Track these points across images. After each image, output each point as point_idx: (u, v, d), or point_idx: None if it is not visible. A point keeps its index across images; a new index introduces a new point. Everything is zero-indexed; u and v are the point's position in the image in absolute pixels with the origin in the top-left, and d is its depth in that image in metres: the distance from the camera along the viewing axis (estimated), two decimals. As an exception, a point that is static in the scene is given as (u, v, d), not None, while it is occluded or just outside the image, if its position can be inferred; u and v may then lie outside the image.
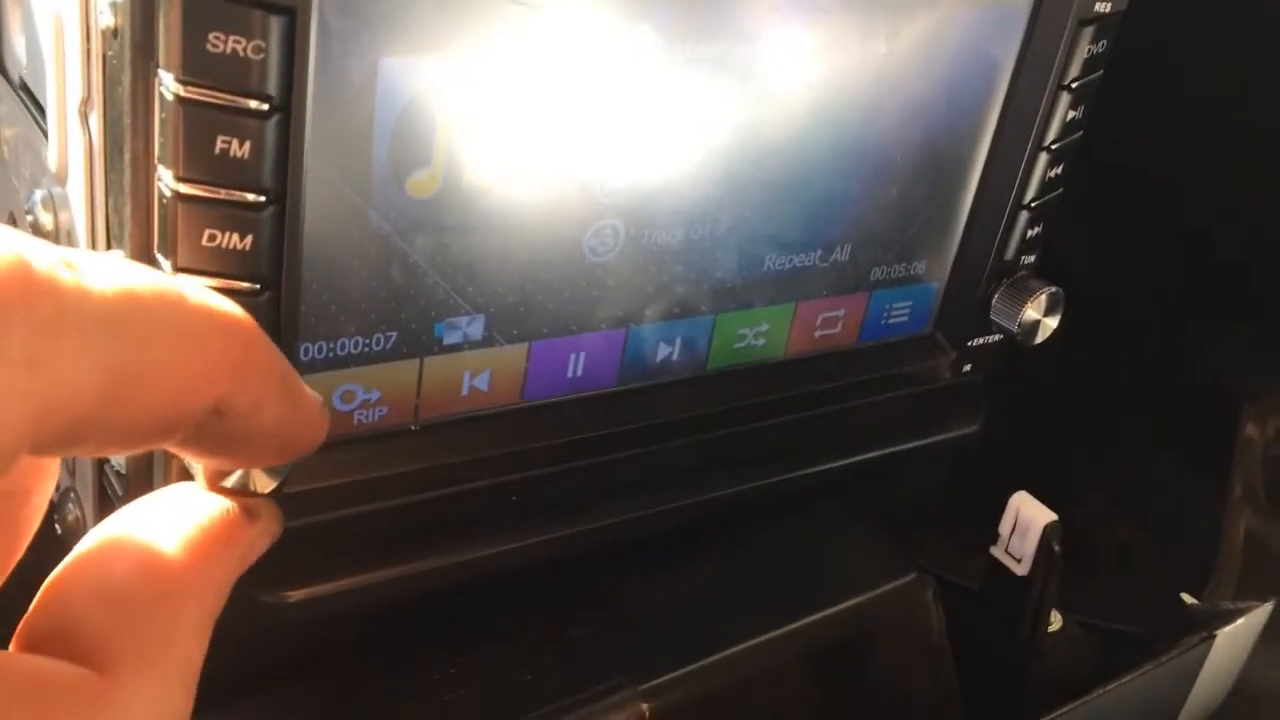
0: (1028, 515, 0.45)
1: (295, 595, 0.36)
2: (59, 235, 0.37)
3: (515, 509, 0.41)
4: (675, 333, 0.43)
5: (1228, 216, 0.57)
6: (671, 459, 0.44)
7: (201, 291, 0.24)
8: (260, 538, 0.28)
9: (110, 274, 0.22)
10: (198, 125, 0.29)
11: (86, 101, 0.34)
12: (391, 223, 0.35)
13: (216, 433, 0.25)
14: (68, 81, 0.34)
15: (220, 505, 0.28)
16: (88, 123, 0.34)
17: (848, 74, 0.41)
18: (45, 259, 0.20)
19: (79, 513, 0.40)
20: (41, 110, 0.36)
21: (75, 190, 0.35)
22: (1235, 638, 0.45)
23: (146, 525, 0.26)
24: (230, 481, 0.31)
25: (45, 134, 0.35)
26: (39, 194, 0.38)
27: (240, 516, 0.28)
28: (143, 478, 0.35)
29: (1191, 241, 0.59)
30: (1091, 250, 0.62)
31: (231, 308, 0.25)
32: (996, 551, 0.47)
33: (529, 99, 0.35)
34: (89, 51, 0.33)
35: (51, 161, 0.36)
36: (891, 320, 0.49)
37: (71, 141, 0.35)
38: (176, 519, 0.27)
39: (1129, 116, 0.55)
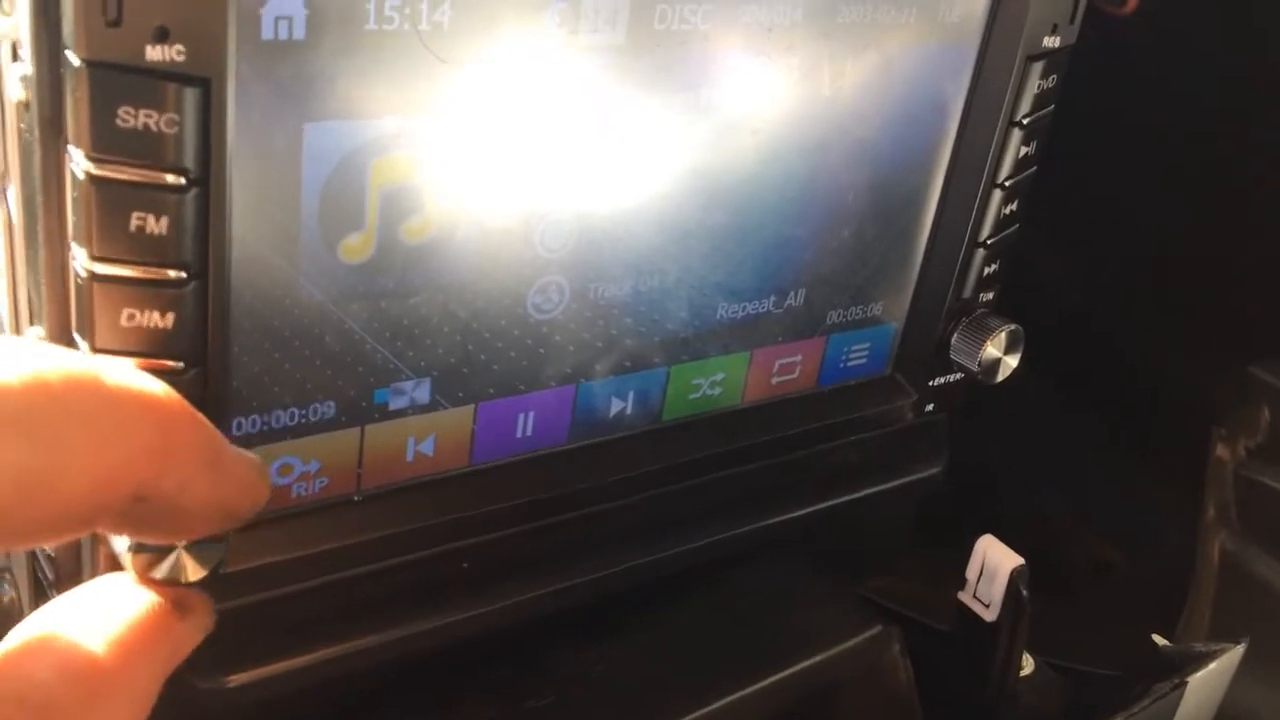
0: (994, 560, 0.44)
1: (236, 680, 0.35)
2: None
3: (466, 576, 0.39)
4: (627, 387, 0.42)
5: (1193, 239, 0.57)
6: (629, 516, 0.43)
7: (119, 372, 0.23)
8: (192, 632, 0.27)
9: (22, 364, 0.21)
10: (111, 203, 0.28)
11: (4, 176, 0.32)
12: (324, 290, 0.34)
13: (142, 515, 0.24)
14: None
15: (149, 600, 0.27)
16: (5, 197, 0.33)
17: (795, 116, 0.40)
18: None
19: (14, 594, 0.39)
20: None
21: (-5, 267, 0.34)
22: (1208, 682, 0.44)
23: (72, 623, 0.25)
24: (160, 571, 0.29)
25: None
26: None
27: (170, 611, 0.27)
28: (71, 563, 0.33)
29: (1156, 263, 0.59)
30: (1056, 275, 0.62)
31: (151, 387, 0.24)
32: (965, 597, 0.46)
33: (462, 156, 0.34)
34: (4, 125, 0.32)
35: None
36: (850, 363, 0.48)
37: (-9, 217, 0.34)
38: (104, 615, 0.26)
39: (1092, 140, 0.55)
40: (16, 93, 0.30)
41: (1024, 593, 0.44)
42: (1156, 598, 0.60)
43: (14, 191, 0.32)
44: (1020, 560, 0.44)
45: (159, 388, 0.24)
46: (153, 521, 0.25)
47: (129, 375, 0.23)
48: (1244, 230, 0.56)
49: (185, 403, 0.25)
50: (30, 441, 0.21)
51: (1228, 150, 0.55)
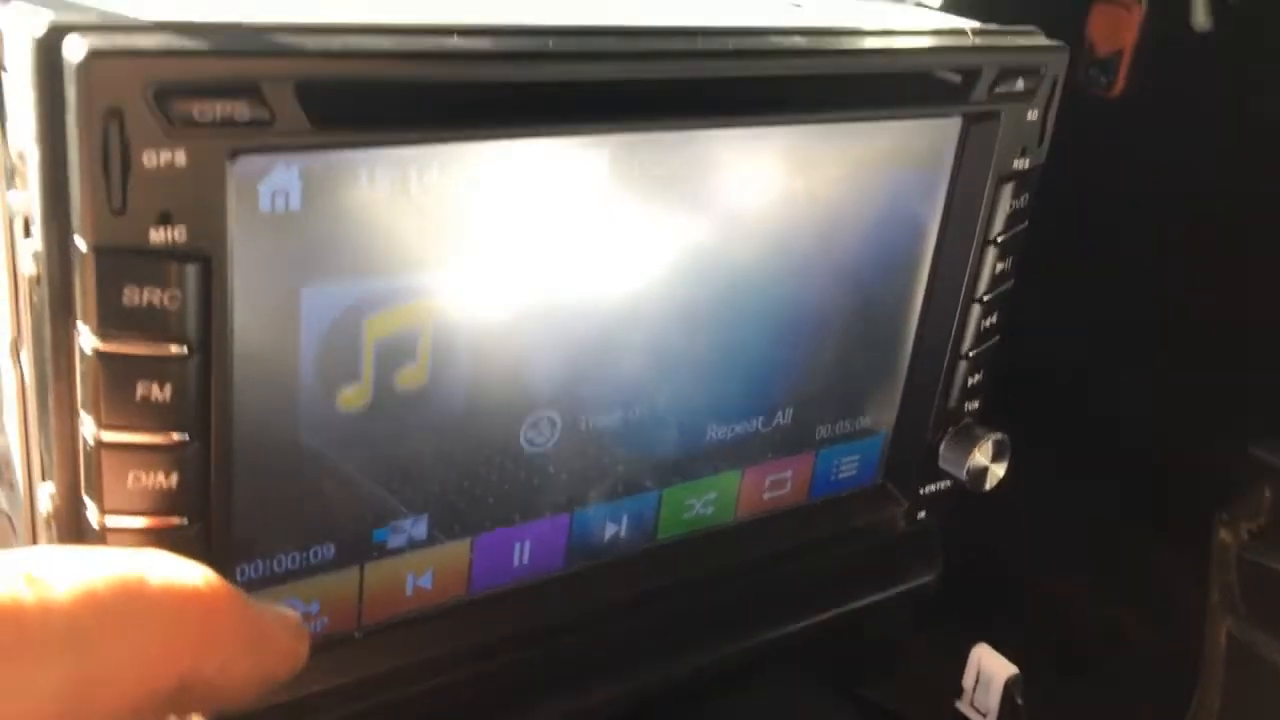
0: (989, 669, 0.45)
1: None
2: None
3: (469, 705, 0.40)
4: (621, 511, 0.43)
5: (1196, 318, 0.58)
6: (628, 636, 0.44)
7: (162, 568, 0.24)
8: None
9: (68, 575, 0.22)
10: (117, 375, 0.30)
11: (16, 341, 0.34)
12: (322, 439, 0.35)
13: (186, 701, 0.25)
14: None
15: None
16: (19, 360, 0.34)
17: (775, 242, 0.42)
18: (7, 580, 0.21)
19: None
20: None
21: (10, 424, 0.35)
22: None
23: None
24: None
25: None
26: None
27: None
28: None
29: (1159, 340, 0.59)
30: (1060, 353, 0.62)
31: (193, 579, 0.25)
32: (962, 705, 0.46)
33: (453, 305, 0.36)
34: (16, 291, 0.34)
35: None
36: (841, 474, 0.49)
37: (4, 378, 0.35)
38: None
39: (1094, 218, 0.55)
40: (29, 268, 0.32)
41: (1019, 702, 0.44)
42: (1166, 676, 0.60)
43: (26, 355, 0.34)
44: (1015, 669, 0.45)
45: (200, 578, 0.25)
46: (197, 704, 0.26)
47: (171, 570, 0.24)
48: (1248, 311, 0.57)
49: (227, 586, 0.25)
50: (78, 655, 0.22)
51: (1226, 228, 0.56)
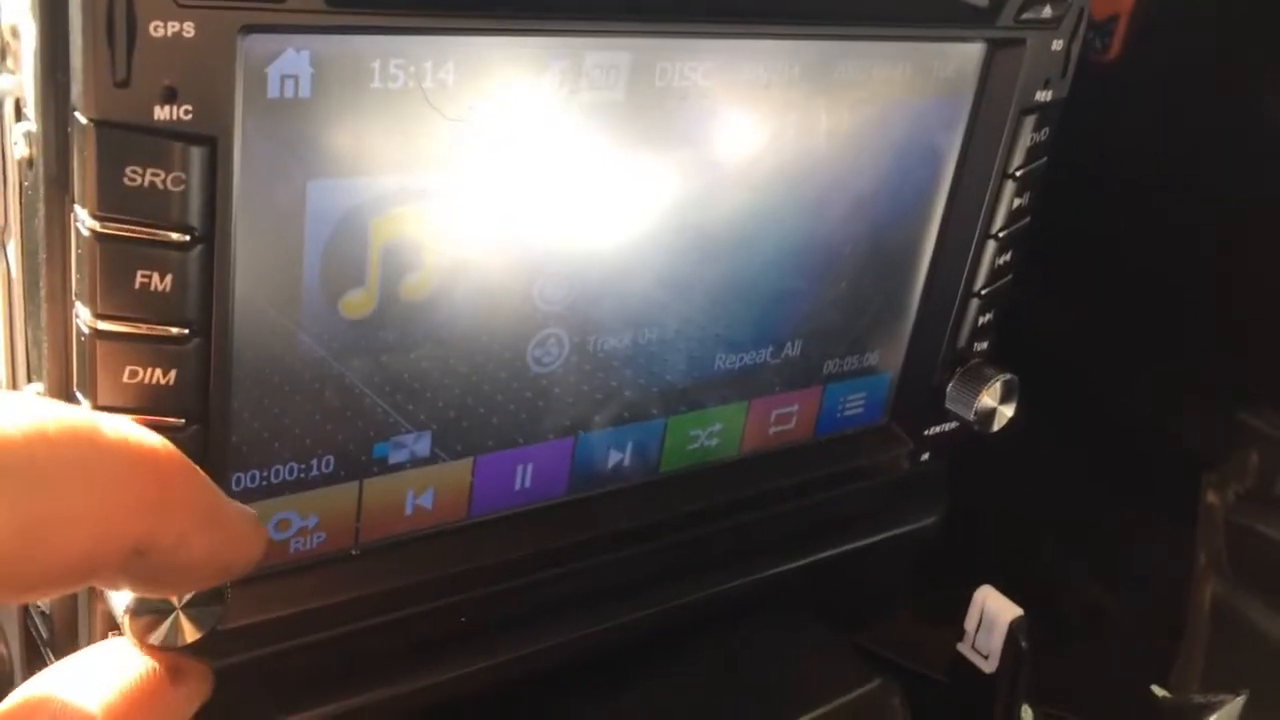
0: (993, 610, 0.44)
1: (233, 738, 0.34)
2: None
3: (464, 630, 0.39)
4: (626, 438, 0.42)
5: (1186, 287, 0.58)
6: (627, 568, 0.43)
7: (118, 425, 0.24)
8: (187, 700, 0.27)
9: (21, 416, 0.22)
10: (116, 261, 0.28)
11: (3, 230, 0.32)
12: (325, 345, 0.34)
13: (141, 569, 0.24)
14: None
15: (146, 668, 0.27)
16: (5, 252, 0.33)
17: (792, 170, 0.41)
18: None
19: (4, 651, 0.38)
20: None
21: (-5, 318, 0.34)
22: (1209, 733, 0.44)
23: (67, 691, 0.25)
24: (158, 634, 0.29)
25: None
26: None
27: (165, 679, 0.27)
28: (67, 621, 0.33)
29: (1150, 310, 0.59)
30: (1050, 320, 0.62)
31: (150, 441, 0.24)
32: (963, 648, 0.46)
33: (463, 212, 0.35)
34: (5, 178, 0.32)
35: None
36: (847, 412, 0.48)
37: (-11, 268, 0.34)
38: (99, 684, 0.26)
39: (1084, 186, 0.55)
40: (20, 150, 0.30)
41: (1023, 644, 0.44)
42: (1151, 643, 0.60)
43: (14, 247, 0.32)
44: (1019, 611, 0.44)
45: (157, 441, 0.24)
46: (151, 576, 0.25)
47: (127, 428, 0.24)
48: (1236, 277, 0.57)
49: (183, 456, 0.25)
50: (31, 492, 0.21)
51: (1218, 195, 0.56)
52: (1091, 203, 0.58)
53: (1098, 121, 0.54)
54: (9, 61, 0.31)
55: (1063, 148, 0.47)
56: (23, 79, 0.30)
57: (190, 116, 0.28)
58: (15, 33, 0.30)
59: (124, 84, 0.27)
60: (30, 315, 0.31)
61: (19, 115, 0.30)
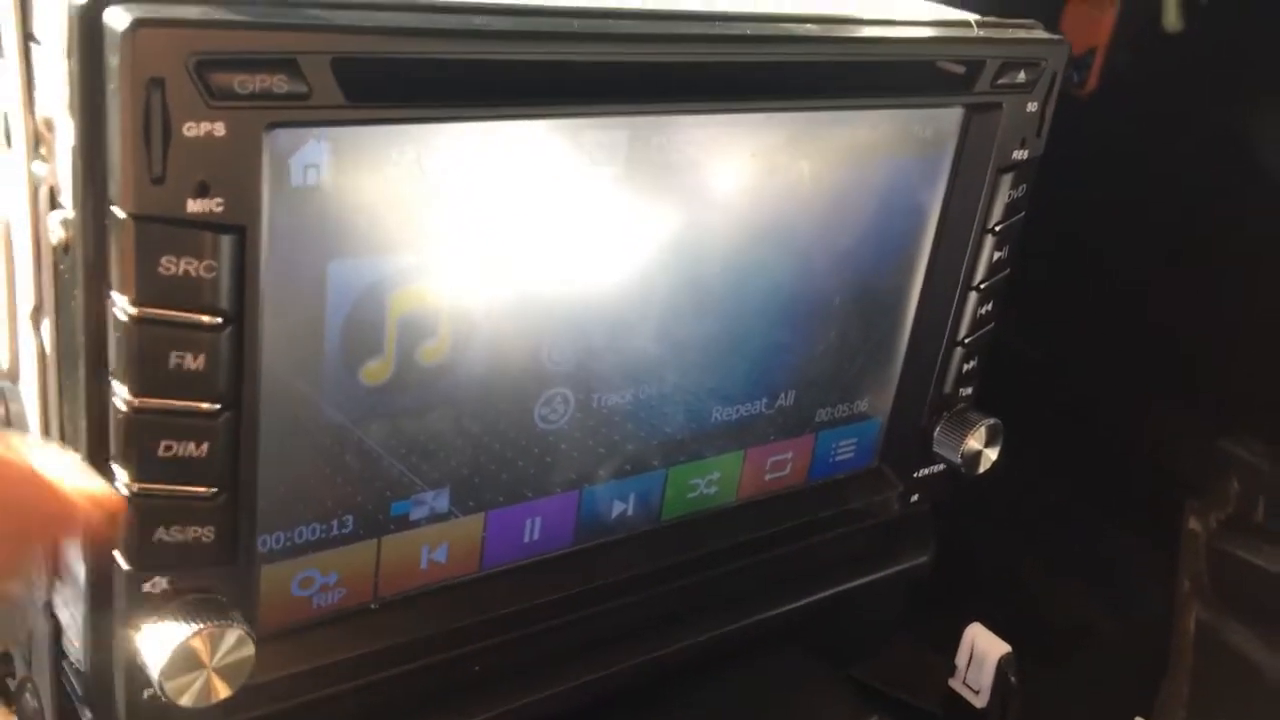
0: (983, 647, 0.46)
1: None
2: (9, 422, 0.37)
3: (477, 679, 0.41)
4: (628, 489, 0.44)
5: (1167, 316, 0.59)
6: (632, 613, 0.44)
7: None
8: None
9: None
10: (152, 344, 0.30)
11: (38, 310, 0.34)
12: (345, 412, 0.35)
13: None
14: (17, 286, 0.35)
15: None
16: (39, 329, 0.34)
17: (781, 229, 0.43)
18: None
19: (37, 704, 0.40)
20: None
21: (28, 391, 0.35)
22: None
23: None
24: (190, 694, 0.31)
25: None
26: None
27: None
28: (103, 679, 0.35)
29: (1133, 338, 0.61)
30: (1036, 351, 0.64)
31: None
32: (955, 684, 0.47)
33: (474, 282, 0.37)
34: (39, 260, 0.34)
35: (2, 357, 0.36)
36: (839, 457, 0.50)
37: (23, 345, 0.35)
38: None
39: (1068, 217, 0.57)
40: (57, 235, 0.32)
41: (1012, 680, 0.46)
42: (1137, 667, 0.61)
43: (47, 325, 0.34)
44: (1007, 648, 0.46)
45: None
46: None
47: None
48: (1216, 307, 0.58)
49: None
50: None
51: (1198, 225, 0.57)
52: (1073, 232, 0.60)
53: (1077, 153, 0.56)
54: (43, 149, 0.33)
55: (1043, 177, 0.49)
56: (57, 168, 0.32)
57: (221, 208, 0.30)
58: (50, 125, 0.32)
59: (160, 180, 0.29)
60: (67, 391, 0.33)
61: (54, 202, 0.32)
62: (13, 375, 0.37)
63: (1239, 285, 0.57)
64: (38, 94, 0.32)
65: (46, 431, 0.35)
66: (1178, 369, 0.60)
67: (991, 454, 0.50)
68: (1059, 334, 0.64)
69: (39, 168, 0.33)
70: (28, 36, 0.32)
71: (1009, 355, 0.53)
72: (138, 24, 0.27)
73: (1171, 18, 0.57)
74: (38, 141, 0.33)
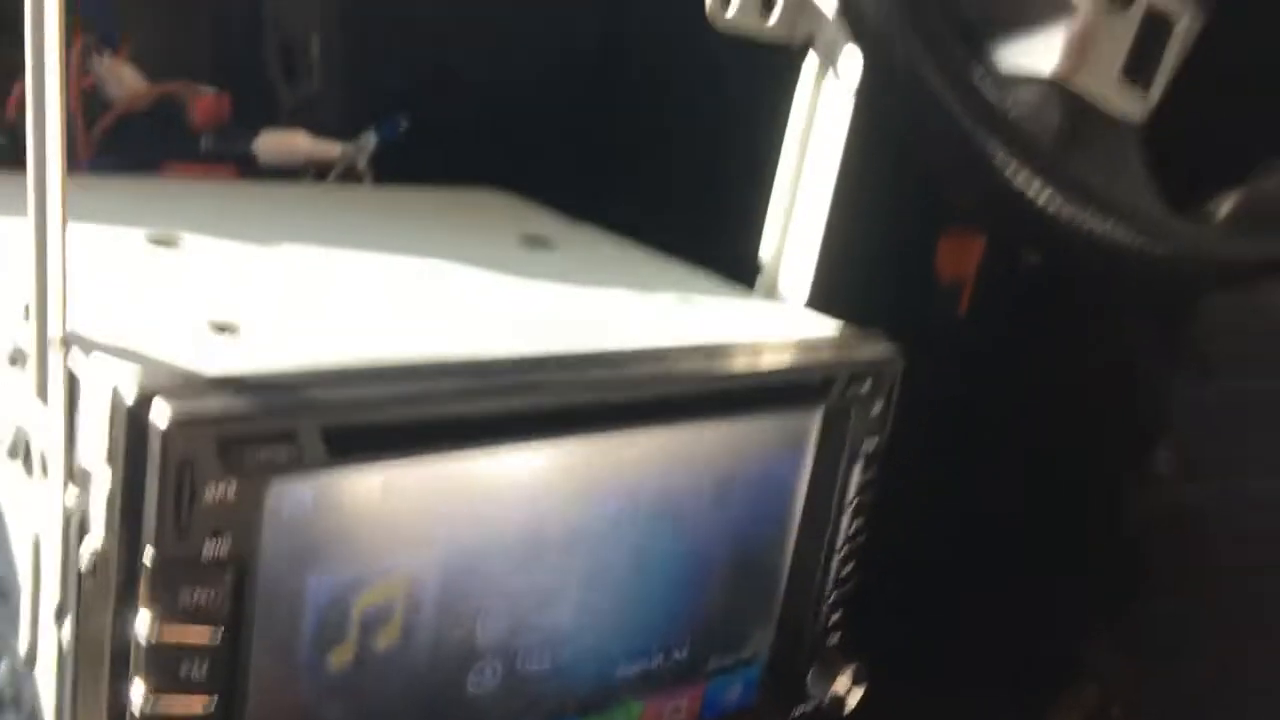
0: None
1: None
2: (19, 708, 0.43)
3: None
4: (545, 741, 0.51)
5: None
6: None
7: None
8: None
9: None
10: (167, 657, 0.38)
11: (62, 610, 0.41)
12: (317, 694, 0.43)
13: None
14: (43, 587, 0.42)
15: None
16: (61, 627, 0.41)
17: (671, 513, 0.52)
18: None
19: None
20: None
21: (44, 683, 0.42)
22: None
23: None
24: None
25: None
26: (2, 664, 0.45)
27: None
28: None
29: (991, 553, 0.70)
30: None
31: None
32: None
33: (425, 581, 0.45)
34: (66, 570, 0.41)
35: (21, 645, 0.43)
36: (725, 700, 0.58)
37: (43, 638, 0.42)
38: None
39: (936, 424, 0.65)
40: (85, 563, 0.39)
41: None
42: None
43: (68, 626, 0.41)
44: None
45: None
46: None
47: None
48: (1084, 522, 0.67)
49: None
50: None
51: (1061, 436, 0.67)
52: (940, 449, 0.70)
53: (949, 373, 0.66)
54: (78, 480, 0.40)
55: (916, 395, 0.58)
56: (88, 504, 0.39)
57: (228, 548, 0.38)
58: (87, 474, 0.40)
59: (184, 532, 0.37)
60: (85, 685, 0.40)
61: (83, 529, 0.40)
62: (29, 662, 0.44)
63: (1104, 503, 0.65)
64: (80, 445, 0.40)
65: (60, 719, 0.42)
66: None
67: (858, 691, 0.59)
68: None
69: (72, 497, 0.40)
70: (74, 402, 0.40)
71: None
72: (176, 423, 0.36)
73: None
74: (73, 472, 0.40)
